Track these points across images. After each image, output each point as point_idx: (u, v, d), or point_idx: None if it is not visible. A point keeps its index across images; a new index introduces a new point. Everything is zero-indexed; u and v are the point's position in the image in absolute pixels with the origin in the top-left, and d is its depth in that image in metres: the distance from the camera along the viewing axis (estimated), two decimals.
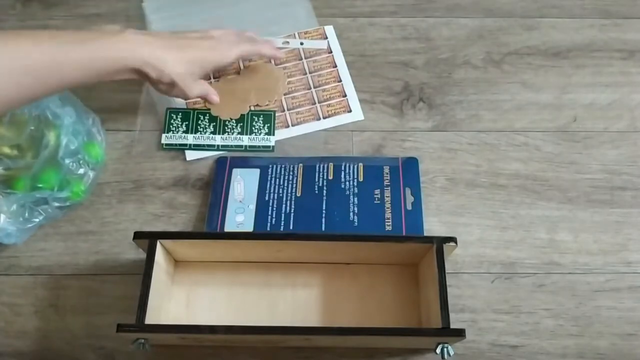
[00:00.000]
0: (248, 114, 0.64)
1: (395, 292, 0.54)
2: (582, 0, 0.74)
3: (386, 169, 0.61)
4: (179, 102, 0.65)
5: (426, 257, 0.52)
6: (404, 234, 0.57)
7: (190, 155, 0.63)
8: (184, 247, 0.52)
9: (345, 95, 0.66)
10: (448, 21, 0.72)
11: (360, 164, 0.61)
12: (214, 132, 0.63)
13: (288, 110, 0.65)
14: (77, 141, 0.57)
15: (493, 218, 0.59)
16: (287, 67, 0.67)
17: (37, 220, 0.56)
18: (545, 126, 0.65)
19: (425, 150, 0.63)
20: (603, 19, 0.72)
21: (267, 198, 0.59)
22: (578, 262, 0.57)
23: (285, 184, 0.60)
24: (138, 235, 0.50)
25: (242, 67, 0.67)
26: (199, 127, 0.63)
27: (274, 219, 0.58)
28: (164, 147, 0.63)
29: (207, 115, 0.64)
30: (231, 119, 0.64)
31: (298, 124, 0.64)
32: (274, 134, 0.63)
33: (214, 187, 0.60)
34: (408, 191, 0.59)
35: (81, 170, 0.58)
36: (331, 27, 0.70)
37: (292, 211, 0.58)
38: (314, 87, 0.66)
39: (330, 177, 0.60)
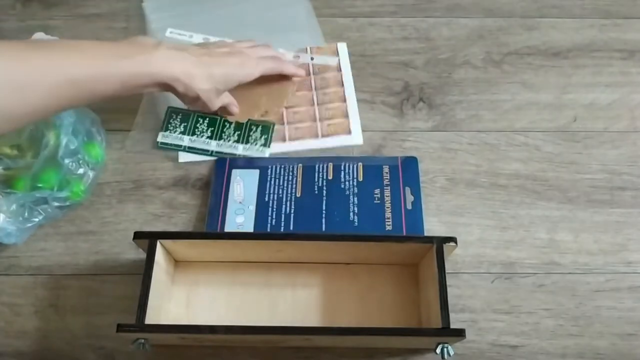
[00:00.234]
0: (247, 122, 0.64)
1: (395, 292, 0.54)
2: (582, 0, 0.74)
3: (386, 169, 0.61)
4: (181, 102, 0.65)
5: (426, 257, 0.52)
6: (404, 233, 0.57)
7: (183, 157, 0.63)
8: (184, 247, 0.52)
9: (347, 116, 0.64)
10: (448, 21, 0.72)
11: (360, 164, 0.61)
12: (210, 137, 0.63)
13: (288, 124, 0.64)
14: (77, 141, 0.57)
15: (493, 218, 0.59)
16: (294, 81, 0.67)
17: (37, 220, 0.56)
18: (545, 126, 0.65)
19: (425, 150, 0.63)
20: (603, 19, 0.72)
21: (266, 199, 0.59)
22: (578, 262, 0.57)
23: (285, 185, 0.60)
24: (138, 235, 0.50)
25: None
26: (196, 130, 0.63)
27: (274, 220, 0.58)
28: (159, 145, 0.63)
29: (207, 119, 0.64)
30: (230, 125, 0.63)
31: (295, 139, 0.63)
32: (269, 146, 0.62)
33: (213, 188, 0.60)
34: (408, 190, 0.59)
35: (81, 170, 0.58)
36: (344, 44, 0.69)
37: (292, 212, 0.58)
38: (318, 104, 0.65)
39: (330, 177, 0.60)
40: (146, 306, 0.46)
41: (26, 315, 0.55)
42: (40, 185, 0.55)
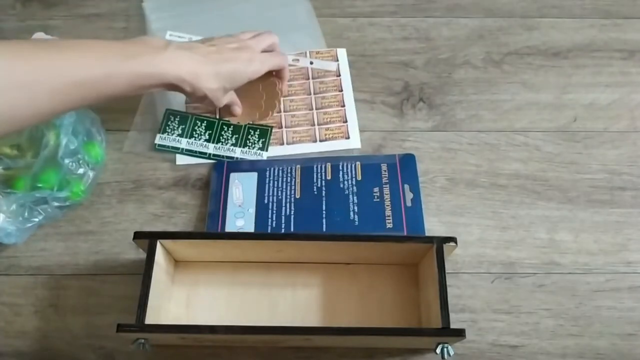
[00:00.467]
0: (245, 126, 0.64)
1: (395, 292, 0.54)
2: (582, 0, 0.74)
3: (384, 167, 0.61)
4: (179, 103, 0.65)
5: (426, 257, 0.52)
6: (404, 231, 0.57)
7: (181, 159, 0.63)
8: (184, 247, 0.52)
9: (346, 121, 0.64)
10: (448, 21, 0.72)
11: (358, 163, 0.61)
12: (208, 140, 0.63)
13: (285, 127, 0.64)
14: (77, 141, 0.57)
15: (493, 218, 0.59)
16: (293, 85, 0.67)
17: (36, 220, 0.56)
18: (545, 126, 0.65)
19: (425, 150, 0.63)
20: (603, 19, 0.72)
21: (266, 201, 0.59)
22: (578, 262, 0.57)
23: (284, 186, 0.60)
24: (138, 235, 0.50)
25: None
26: (194, 132, 0.63)
27: (274, 222, 0.58)
28: (157, 147, 0.63)
29: (205, 122, 0.64)
30: (228, 128, 0.63)
31: (293, 143, 0.63)
32: (267, 150, 0.62)
33: (212, 192, 0.60)
34: (407, 188, 0.59)
35: (81, 170, 0.58)
36: (344, 50, 0.69)
37: (292, 213, 0.58)
38: (316, 109, 0.65)
39: (329, 177, 0.60)
40: (146, 306, 0.46)
41: (26, 315, 0.55)
42: (40, 185, 0.55)
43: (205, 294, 0.54)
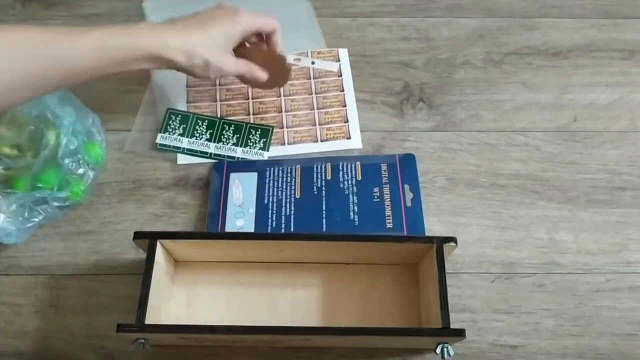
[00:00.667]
0: (246, 125, 0.64)
1: (395, 292, 0.54)
2: (582, 0, 0.74)
3: (384, 167, 0.61)
4: (181, 102, 0.65)
5: (426, 257, 0.52)
6: (404, 230, 0.57)
7: (182, 159, 0.63)
8: (184, 247, 0.52)
9: (347, 121, 0.64)
10: (448, 21, 0.72)
11: (358, 163, 0.61)
12: (209, 140, 0.63)
13: (287, 127, 0.64)
14: (77, 141, 0.57)
15: (493, 218, 0.59)
16: (294, 85, 0.67)
17: (36, 220, 0.56)
18: (545, 126, 0.65)
19: (425, 150, 0.63)
20: (603, 19, 0.72)
21: (266, 201, 0.59)
22: (578, 262, 0.57)
23: (284, 187, 0.60)
24: (138, 235, 0.50)
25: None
26: (195, 132, 0.63)
27: (274, 222, 0.58)
28: (158, 147, 0.63)
29: (206, 121, 0.64)
30: (229, 127, 0.63)
31: (294, 142, 0.63)
32: (268, 150, 0.62)
33: (212, 192, 0.60)
34: (407, 188, 0.59)
35: (81, 170, 0.58)
36: (345, 50, 0.69)
37: (292, 213, 0.58)
38: (317, 109, 0.65)
39: (329, 178, 0.60)
40: (146, 306, 0.46)
41: (26, 315, 0.55)
42: (40, 185, 0.55)
43: (205, 294, 0.54)
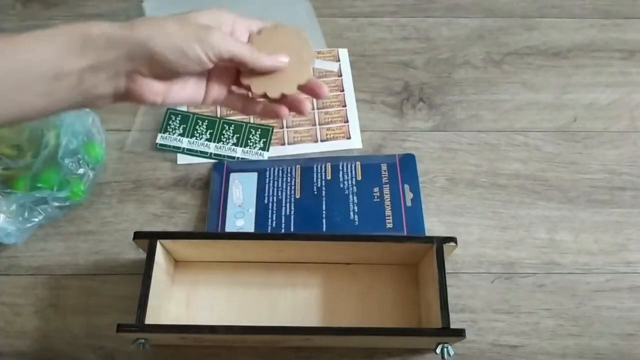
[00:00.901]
0: (246, 125, 0.64)
1: (395, 292, 0.54)
2: (582, 0, 0.74)
3: (384, 167, 0.61)
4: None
5: (426, 257, 0.52)
6: (404, 230, 0.57)
7: (182, 159, 0.62)
8: (184, 247, 0.52)
9: (347, 122, 0.64)
10: (448, 21, 0.72)
11: (358, 163, 0.61)
12: (209, 140, 0.63)
13: (287, 127, 0.64)
14: (76, 141, 0.57)
15: (493, 218, 0.59)
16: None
17: (36, 220, 0.56)
18: (545, 126, 0.65)
19: (425, 150, 0.63)
20: (603, 19, 0.72)
21: (266, 201, 0.59)
22: (578, 262, 0.57)
23: (284, 187, 0.60)
24: (138, 235, 0.50)
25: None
26: (195, 132, 0.63)
27: (274, 222, 0.58)
28: (158, 147, 0.63)
29: (206, 121, 0.64)
30: (229, 127, 0.59)
31: (294, 143, 0.63)
32: (268, 150, 0.62)
33: (212, 192, 0.60)
34: (407, 188, 0.59)
35: (81, 170, 0.58)
36: (345, 50, 0.69)
37: (292, 213, 0.58)
38: (317, 109, 0.65)
39: (329, 178, 0.60)
40: (146, 306, 0.46)
41: (26, 315, 0.55)
42: (40, 185, 0.55)
43: (205, 294, 0.54)
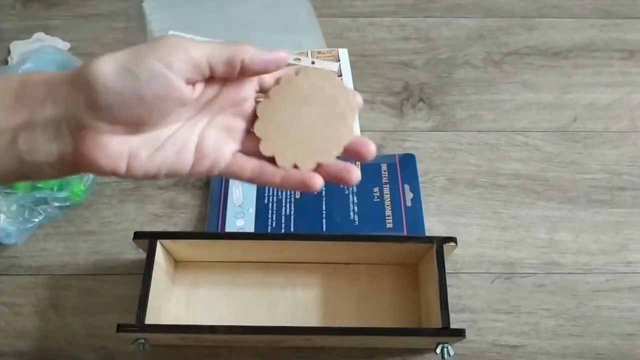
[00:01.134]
0: None
1: (395, 292, 0.54)
2: (582, 0, 0.74)
3: (384, 167, 0.61)
4: None
5: (426, 257, 0.52)
6: (404, 230, 0.57)
7: None
8: (184, 247, 0.52)
9: None
10: (448, 21, 0.72)
11: (358, 163, 0.61)
12: None
13: None
14: None
15: (493, 218, 0.59)
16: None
17: (37, 220, 0.56)
18: (545, 126, 0.65)
19: (425, 150, 0.63)
20: (603, 19, 0.72)
21: (266, 201, 0.59)
22: (578, 262, 0.57)
23: None
24: (138, 235, 0.50)
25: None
26: None
27: (274, 222, 0.58)
28: None
29: None
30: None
31: None
32: None
33: (212, 192, 0.60)
34: (407, 188, 0.59)
35: None
36: (345, 50, 0.69)
37: (292, 213, 0.58)
38: None
39: None
40: (146, 306, 0.46)
41: (26, 315, 0.55)
42: (40, 185, 0.55)
43: (205, 294, 0.54)
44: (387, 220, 0.57)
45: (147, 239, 0.49)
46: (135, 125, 0.31)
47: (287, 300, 0.54)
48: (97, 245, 0.58)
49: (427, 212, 0.59)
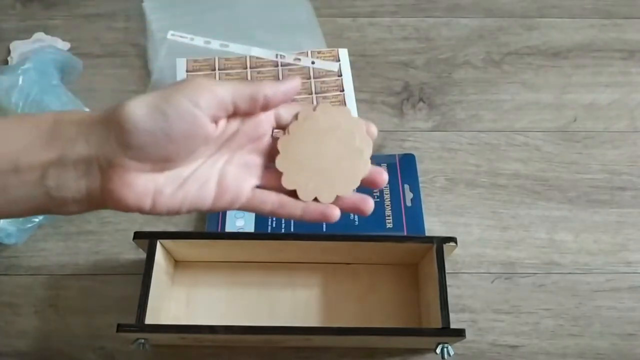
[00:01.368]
0: None
1: (395, 292, 0.54)
2: (582, 0, 0.74)
3: (384, 167, 0.60)
4: None
5: (426, 257, 0.52)
6: (404, 231, 0.57)
7: None
8: (184, 247, 0.52)
9: None
10: (448, 21, 0.72)
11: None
12: None
13: None
14: None
15: (493, 218, 0.59)
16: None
17: (37, 220, 0.56)
18: (545, 126, 0.65)
19: (425, 150, 0.63)
20: (603, 19, 0.72)
21: None
22: (578, 262, 0.57)
23: None
24: (138, 235, 0.50)
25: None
26: None
27: (274, 222, 0.58)
28: None
29: None
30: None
31: None
32: None
33: None
34: (407, 188, 0.59)
35: None
36: (345, 50, 0.68)
37: None
38: None
39: None
40: (146, 306, 0.46)
41: (26, 315, 0.55)
42: None
43: (205, 294, 0.54)
44: (387, 220, 0.57)
45: (147, 239, 0.49)
46: (163, 162, 0.33)
47: (287, 300, 0.54)
48: (97, 245, 0.58)
49: (427, 212, 0.59)
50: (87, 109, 0.60)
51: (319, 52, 0.69)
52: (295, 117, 0.37)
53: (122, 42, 0.71)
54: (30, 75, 0.57)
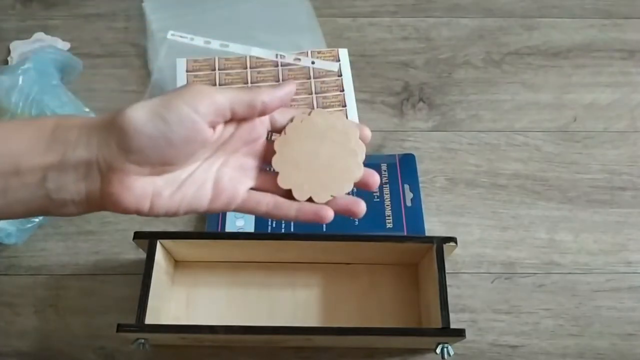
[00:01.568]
0: None
1: (395, 292, 0.54)
2: (582, 0, 0.74)
3: (384, 167, 0.61)
4: None
5: (426, 257, 0.52)
6: (404, 230, 0.57)
7: None
8: (184, 247, 0.52)
9: None
10: (448, 21, 0.72)
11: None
12: None
13: None
14: None
15: (493, 218, 0.59)
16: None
17: (37, 220, 0.56)
18: (545, 126, 0.65)
19: (425, 150, 0.63)
20: (603, 19, 0.72)
21: None
22: (578, 262, 0.57)
23: None
24: (138, 235, 0.50)
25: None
26: None
27: (274, 222, 0.58)
28: None
29: None
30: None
31: None
32: None
33: None
34: (407, 188, 0.59)
35: None
36: (345, 50, 0.68)
37: None
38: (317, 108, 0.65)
39: None
40: (146, 306, 0.46)
41: (26, 315, 0.55)
42: None
43: (205, 294, 0.54)
44: (387, 220, 0.57)
45: (147, 239, 0.49)
46: (161, 166, 0.34)
47: (287, 300, 0.54)
48: (97, 245, 0.58)
49: (427, 212, 0.59)
50: (87, 109, 0.60)
51: (319, 52, 0.69)
52: (291, 119, 0.38)
53: (122, 42, 0.71)
54: (30, 75, 0.57)
